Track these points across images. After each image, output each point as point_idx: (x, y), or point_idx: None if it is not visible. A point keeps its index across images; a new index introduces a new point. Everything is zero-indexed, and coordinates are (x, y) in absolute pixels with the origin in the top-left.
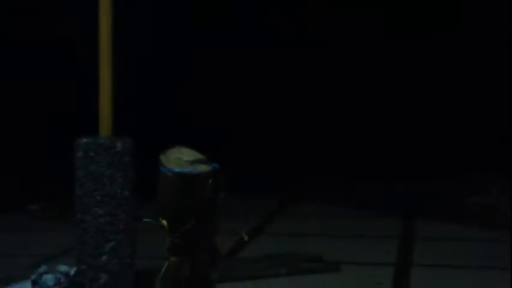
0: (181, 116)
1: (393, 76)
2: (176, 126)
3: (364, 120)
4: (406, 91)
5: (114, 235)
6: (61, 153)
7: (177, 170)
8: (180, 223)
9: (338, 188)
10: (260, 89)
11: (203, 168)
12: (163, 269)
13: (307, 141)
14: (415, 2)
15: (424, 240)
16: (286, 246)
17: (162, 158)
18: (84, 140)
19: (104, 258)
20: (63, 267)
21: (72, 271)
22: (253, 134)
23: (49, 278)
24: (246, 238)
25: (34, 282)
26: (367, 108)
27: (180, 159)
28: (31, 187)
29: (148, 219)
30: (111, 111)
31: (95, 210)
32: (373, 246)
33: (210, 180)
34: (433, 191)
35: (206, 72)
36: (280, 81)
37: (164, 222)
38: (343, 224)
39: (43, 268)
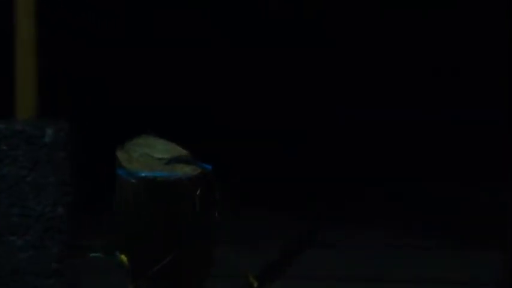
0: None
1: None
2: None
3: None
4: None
5: (41, 279)
6: None
7: (144, 173)
8: (148, 258)
9: (397, 200)
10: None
11: (187, 170)
12: None
13: (337, 131)
14: None
15: None
16: None
17: (121, 155)
18: None
19: None
20: None
21: None
22: (260, 121)
23: None
24: (255, 284)
25: None
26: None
27: (150, 156)
28: None
29: (97, 254)
30: (36, 83)
31: (10, 239)
32: None
33: (199, 190)
34: None
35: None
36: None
37: (123, 257)
38: (417, 264)
39: None
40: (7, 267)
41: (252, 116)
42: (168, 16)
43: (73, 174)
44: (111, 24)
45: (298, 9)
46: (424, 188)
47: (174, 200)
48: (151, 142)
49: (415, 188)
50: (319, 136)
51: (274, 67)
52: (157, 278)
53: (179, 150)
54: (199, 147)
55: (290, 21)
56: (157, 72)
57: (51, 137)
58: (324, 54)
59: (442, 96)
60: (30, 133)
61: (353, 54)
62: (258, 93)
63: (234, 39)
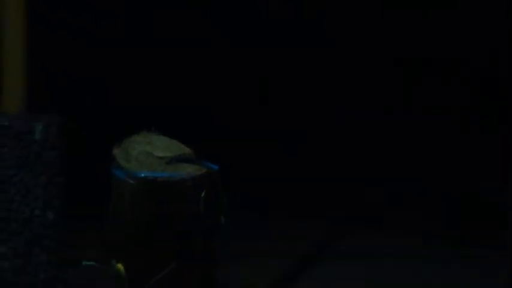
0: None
1: None
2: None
3: None
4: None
5: None
6: None
7: (143, 173)
8: (147, 267)
9: (397, 200)
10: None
11: (190, 170)
12: None
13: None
14: None
15: None
16: None
17: (118, 153)
18: None
19: None
20: None
21: None
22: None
23: None
24: None
25: None
26: None
27: (150, 154)
28: None
29: (91, 262)
30: (24, 74)
31: None
32: None
33: (203, 192)
34: None
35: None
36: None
37: (120, 266)
38: (416, 264)
39: None
40: None
41: (252, 116)
42: (168, 16)
43: (65, 174)
44: (111, 24)
45: (298, 9)
46: (424, 188)
47: (176, 202)
48: (151, 139)
49: (415, 188)
50: (319, 136)
51: (274, 67)
52: None
53: (182, 148)
54: (199, 147)
55: (290, 21)
56: (157, 72)
57: (40, 134)
58: (324, 54)
59: (442, 96)
60: (18, 129)
61: (353, 54)
62: (258, 93)
63: (234, 39)
